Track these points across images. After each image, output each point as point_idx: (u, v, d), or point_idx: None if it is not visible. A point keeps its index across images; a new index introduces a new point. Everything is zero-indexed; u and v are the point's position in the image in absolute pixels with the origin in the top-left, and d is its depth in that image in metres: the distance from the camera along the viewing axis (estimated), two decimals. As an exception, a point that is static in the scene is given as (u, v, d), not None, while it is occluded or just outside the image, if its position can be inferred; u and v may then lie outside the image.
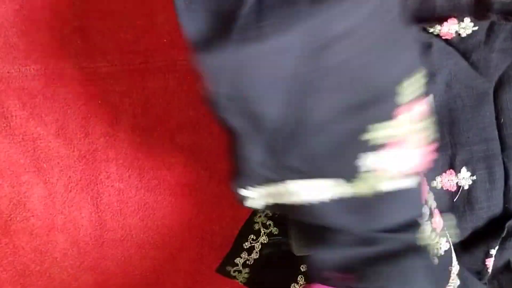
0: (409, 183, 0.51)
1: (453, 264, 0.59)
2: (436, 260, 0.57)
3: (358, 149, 0.50)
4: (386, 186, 0.51)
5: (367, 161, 0.50)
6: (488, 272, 0.62)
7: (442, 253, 0.59)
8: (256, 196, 0.55)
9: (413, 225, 0.53)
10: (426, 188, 0.56)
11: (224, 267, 0.64)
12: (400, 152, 0.50)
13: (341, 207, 0.52)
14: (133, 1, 0.62)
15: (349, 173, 0.51)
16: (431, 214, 0.58)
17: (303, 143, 0.53)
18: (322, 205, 0.53)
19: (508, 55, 0.63)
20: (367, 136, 0.50)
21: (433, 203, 0.59)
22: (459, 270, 0.61)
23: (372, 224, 0.52)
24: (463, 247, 0.65)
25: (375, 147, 0.50)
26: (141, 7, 0.62)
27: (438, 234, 0.58)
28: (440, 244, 0.59)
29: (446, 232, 0.60)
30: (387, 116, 0.49)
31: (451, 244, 0.60)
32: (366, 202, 0.52)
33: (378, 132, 0.49)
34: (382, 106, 0.49)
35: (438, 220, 0.59)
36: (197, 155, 0.64)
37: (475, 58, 0.63)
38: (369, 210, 0.52)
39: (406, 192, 0.51)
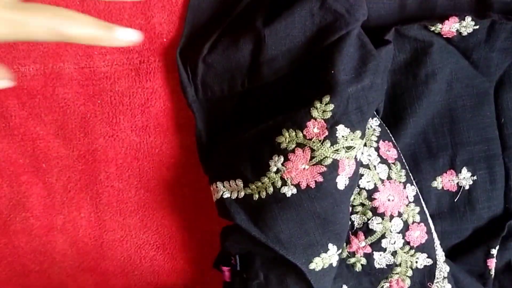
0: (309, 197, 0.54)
1: (435, 281, 0.59)
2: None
3: (271, 149, 0.55)
4: (287, 191, 0.54)
5: (278, 161, 0.54)
6: (491, 274, 0.62)
7: (420, 267, 0.59)
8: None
9: (310, 246, 0.55)
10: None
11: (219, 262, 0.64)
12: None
13: (242, 206, 0.56)
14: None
15: (260, 170, 0.55)
16: (406, 228, 0.58)
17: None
18: (228, 201, 0.57)
19: (509, 55, 0.63)
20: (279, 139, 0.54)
21: (412, 218, 0.59)
22: (450, 274, 0.61)
23: (265, 229, 0.55)
24: (464, 247, 0.65)
25: (286, 151, 0.54)
26: (140, 6, 0.62)
27: (414, 248, 0.59)
28: (417, 258, 0.59)
29: (436, 247, 0.60)
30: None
31: (437, 261, 0.59)
32: (264, 205, 0.55)
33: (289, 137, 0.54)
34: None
35: (417, 234, 0.59)
36: (197, 155, 0.64)
37: (476, 57, 0.63)
38: (265, 214, 0.55)
39: (302, 206, 0.54)
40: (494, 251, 0.62)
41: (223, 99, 0.61)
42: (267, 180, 0.54)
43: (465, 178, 0.63)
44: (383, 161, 0.59)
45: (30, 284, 0.69)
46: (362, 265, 0.59)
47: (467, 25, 0.60)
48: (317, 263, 0.55)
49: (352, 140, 0.54)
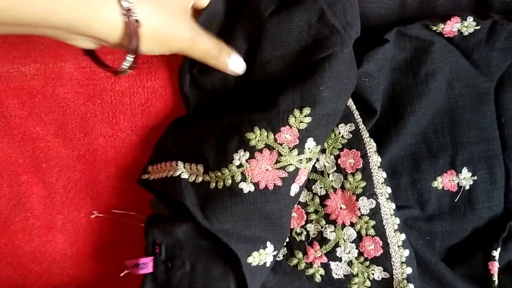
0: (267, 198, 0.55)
1: None
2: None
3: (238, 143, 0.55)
4: (245, 187, 0.54)
5: (243, 157, 0.54)
6: (494, 281, 0.62)
7: (378, 279, 0.60)
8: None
9: (251, 240, 0.56)
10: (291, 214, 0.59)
11: None
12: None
13: (196, 191, 0.56)
14: (133, 0, 0.62)
15: (223, 160, 0.55)
16: (360, 239, 0.59)
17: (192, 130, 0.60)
18: (185, 182, 0.56)
19: (509, 55, 0.63)
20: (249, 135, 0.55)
21: (366, 230, 0.60)
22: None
23: (211, 217, 0.55)
24: (464, 248, 0.64)
25: (254, 149, 0.54)
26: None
27: (369, 260, 0.60)
28: (373, 270, 0.60)
29: (393, 262, 0.60)
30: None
31: (394, 275, 0.59)
32: (218, 195, 0.55)
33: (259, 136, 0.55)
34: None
35: (372, 247, 0.59)
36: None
37: (476, 57, 0.63)
38: (216, 204, 0.55)
39: (257, 205, 0.54)
40: (495, 253, 0.62)
41: (214, 92, 0.62)
42: (227, 172, 0.54)
43: (466, 178, 0.63)
44: (339, 170, 0.61)
45: (30, 284, 0.69)
46: (321, 275, 0.61)
47: (469, 25, 0.60)
48: (255, 258, 0.56)
49: (314, 153, 0.56)
